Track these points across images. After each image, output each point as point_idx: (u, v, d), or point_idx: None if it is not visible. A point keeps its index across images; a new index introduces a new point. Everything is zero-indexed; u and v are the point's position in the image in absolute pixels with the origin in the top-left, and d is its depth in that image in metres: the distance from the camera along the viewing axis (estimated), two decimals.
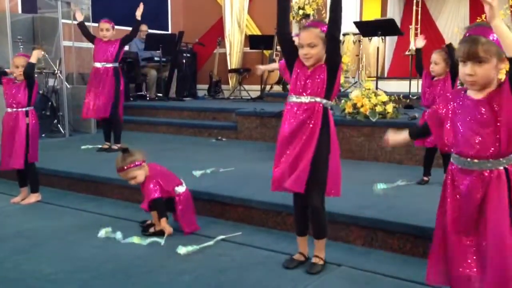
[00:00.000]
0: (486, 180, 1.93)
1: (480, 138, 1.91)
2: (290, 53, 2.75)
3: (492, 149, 1.90)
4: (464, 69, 1.90)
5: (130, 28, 5.87)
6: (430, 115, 2.14)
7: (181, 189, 3.41)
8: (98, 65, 5.72)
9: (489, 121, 1.89)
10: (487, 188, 1.93)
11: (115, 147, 5.75)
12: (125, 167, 3.31)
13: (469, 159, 1.95)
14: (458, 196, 2.01)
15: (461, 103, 1.98)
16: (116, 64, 5.77)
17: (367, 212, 3.23)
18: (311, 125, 2.62)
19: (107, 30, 5.72)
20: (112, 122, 5.79)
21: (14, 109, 4.15)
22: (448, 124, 2.02)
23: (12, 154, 4.13)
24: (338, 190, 2.74)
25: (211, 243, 3.19)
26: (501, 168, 1.92)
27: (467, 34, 1.93)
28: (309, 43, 2.60)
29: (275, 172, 2.73)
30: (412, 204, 3.40)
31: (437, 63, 3.93)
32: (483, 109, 1.90)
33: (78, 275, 2.74)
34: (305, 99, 2.65)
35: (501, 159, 1.91)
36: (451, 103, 2.02)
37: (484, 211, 1.94)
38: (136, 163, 3.33)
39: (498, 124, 1.88)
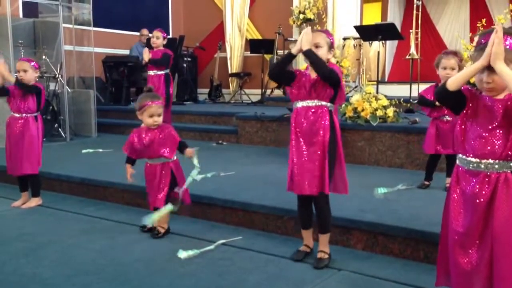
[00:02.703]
0: (492, 182, 1.90)
1: (491, 138, 1.89)
2: (287, 79, 2.88)
3: (502, 150, 1.88)
4: (482, 77, 1.89)
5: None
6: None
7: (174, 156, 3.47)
8: (150, 73, 6.11)
9: (503, 121, 1.87)
10: (495, 193, 1.89)
11: None
12: (159, 102, 3.39)
13: (476, 160, 1.92)
14: (463, 197, 1.98)
15: (480, 102, 1.95)
16: (167, 71, 6.14)
17: (368, 216, 3.23)
18: (321, 127, 2.77)
19: (157, 38, 6.14)
20: None
21: (24, 115, 4.12)
22: (460, 124, 1.99)
23: (23, 160, 4.10)
24: (346, 187, 2.89)
25: (211, 247, 3.19)
26: (509, 171, 1.89)
27: (483, 41, 1.91)
28: (315, 42, 2.79)
29: (295, 178, 2.84)
30: (413, 208, 3.39)
31: (454, 68, 3.76)
32: (500, 108, 1.88)
33: (78, 279, 2.73)
34: (311, 102, 2.81)
35: (509, 161, 1.89)
36: (472, 93, 1.98)
37: (491, 220, 1.90)
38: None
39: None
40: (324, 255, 2.92)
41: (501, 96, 1.91)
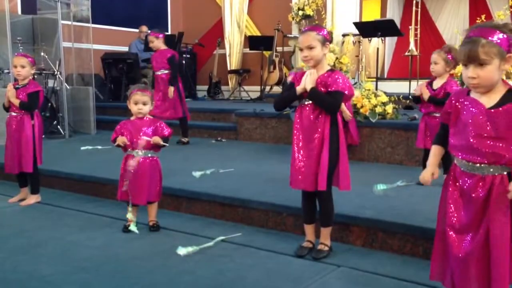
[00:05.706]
0: (488, 182, 1.89)
1: (490, 150, 1.86)
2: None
3: (501, 158, 1.86)
4: (467, 72, 1.85)
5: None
6: (442, 116, 2.08)
7: None
8: (158, 72, 6.15)
9: (504, 133, 1.84)
10: (491, 190, 1.89)
11: (184, 140, 6.22)
12: (145, 91, 3.42)
13: (470, 163, 1.92)
14: (460, 194, 1.97)
15: (466, 105, 1.92)
16: None
17: (367, 212, 3.23)
18: (321, 124, 2.81)
19: (151, 42, 6.19)
20: (180, 119, 6.25)
21: (19, 113, 4.10)
22: (452, 128, 1.99)
23: (21, 158, 4.09)
24: (348, 183, 2.92)
25: (211, 244, 3.18)
26: (505, 173, 1.88)
27: (470, 34, 1.86)
28: (307, 45, 2.79)
29: (296, 174, 2.89)
30: (412, 205, 3.39)
31: (436, 63, 3.94)
32: (498, 120, 1.84)
33: (77, 276, 2.73)
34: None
35: (503, 165, 1.87)
36: (454, 102, 1.98)
37: (487, 214, 1.90)
38: None
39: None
40: (324, 247, 2.97)
41: (492, 99, 1.87)
